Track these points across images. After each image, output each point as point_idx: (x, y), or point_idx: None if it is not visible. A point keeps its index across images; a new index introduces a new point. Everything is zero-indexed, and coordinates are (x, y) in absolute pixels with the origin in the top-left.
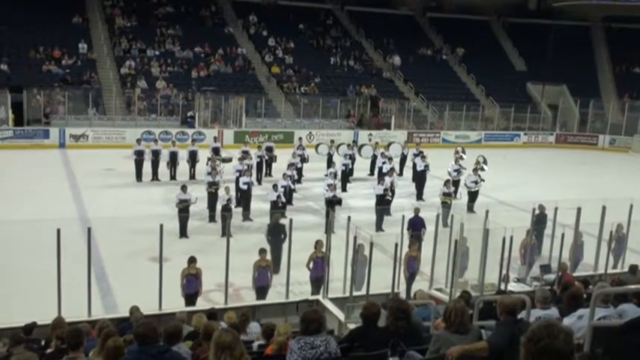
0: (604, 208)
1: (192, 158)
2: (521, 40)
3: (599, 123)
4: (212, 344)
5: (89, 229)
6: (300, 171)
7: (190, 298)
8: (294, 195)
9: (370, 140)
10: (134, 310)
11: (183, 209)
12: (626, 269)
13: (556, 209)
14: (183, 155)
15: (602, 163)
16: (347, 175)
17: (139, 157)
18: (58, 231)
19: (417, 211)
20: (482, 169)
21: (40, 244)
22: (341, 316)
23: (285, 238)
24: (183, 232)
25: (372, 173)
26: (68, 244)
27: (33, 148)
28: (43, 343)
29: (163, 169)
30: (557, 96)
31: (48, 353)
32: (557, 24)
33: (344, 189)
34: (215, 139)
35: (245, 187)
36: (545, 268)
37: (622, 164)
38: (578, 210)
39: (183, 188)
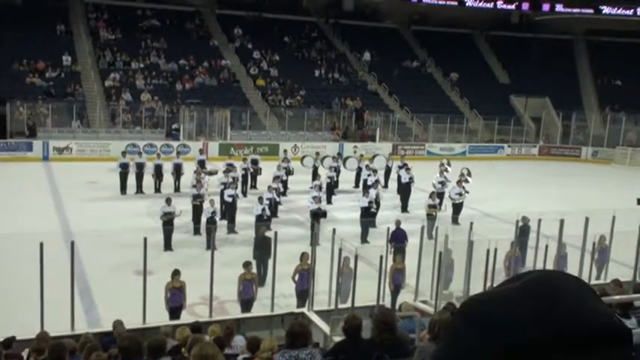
0: (587, 219)
1: (177, 171)
2: (504, 53)
3: (582, 135)
4: (193, 357)
5: (72, 243)
6: (285, 183)
7: (175, 311)
8: (280, 207)
9: (355, 152)
10: (117, 324)
11: (168, 222)
12: (609, 280)
13: (539, 221)
14: (167, 168)
15: (585, 175)
16: (332, 188)
17: (124, 169)
18: (41, 244)
19: (398, 223)
20: (466, 181)
21: (23, 257)
22: (326, 328)
23: (271, 253)
24: (167, 245)
25: (357, 185)
26: (51, 257)
27: (16, 160)
28: (25, 357)
29: (148, 181)
30: (540, 108)
31: None
32: (539, 37)
33: (329, 201)
34: (200, 152)
35: (230, 199)
36: None
37: (604, 176)
38: (562, 222)
39: (168, 201)
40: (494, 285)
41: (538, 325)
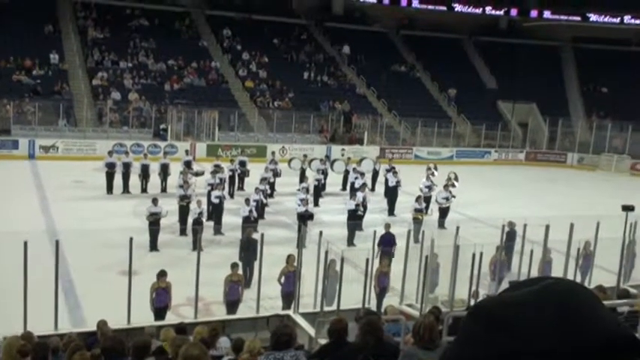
0: (572, 225)
1: (164, 171)
2: (492, 58)
3: (568, 141)
4: (180, 358)
5: (57, 242)
6: (272, 185)
7: (160, 312)
8: (267, 209)
9: (343, 155)
10: (101, 324)
11: (154, 222)
12: (592, 285)
13: (525, 226)
14: (154, 168)
15: (571, 181)
16: (319, 190)
17: (110, 169)
18: (25, 243)
19: (387, 227)
20: (453, 185)
21: (7, 256)
22: (311, 331)
23: (257, 255)
24: (153, 246)
25: (344, 188)
26: (35, 256)
27: (1, 158)
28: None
29: (134, 181)
30: (527, 114)
31: None
32: (527, 43)
33: (316, 204)
34: (187, 153)
35: (217, 200)
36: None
37: (589, 182)
38: (547, 227)
39: (154, 201)
40: (479, 289)
41: (556, 334)
